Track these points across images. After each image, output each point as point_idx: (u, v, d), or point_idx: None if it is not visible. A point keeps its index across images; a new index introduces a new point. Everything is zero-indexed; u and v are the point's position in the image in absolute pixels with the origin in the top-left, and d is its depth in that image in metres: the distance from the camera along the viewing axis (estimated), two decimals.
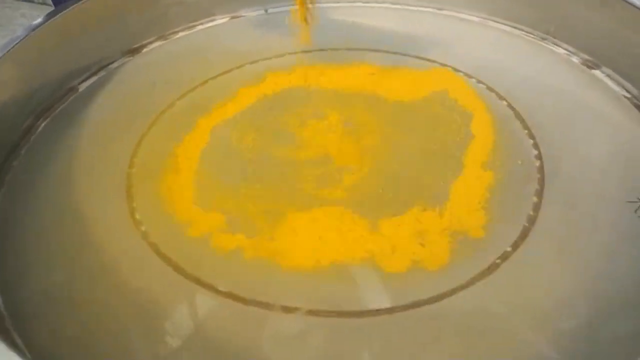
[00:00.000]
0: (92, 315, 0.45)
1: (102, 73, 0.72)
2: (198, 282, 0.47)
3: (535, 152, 0.58)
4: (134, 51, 0.76)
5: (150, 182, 0.56)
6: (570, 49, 0.72)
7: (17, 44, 0.62)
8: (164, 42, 0.78)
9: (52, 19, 0.67)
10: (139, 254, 0.50)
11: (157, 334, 0.44)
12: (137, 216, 0.53)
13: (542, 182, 0.55)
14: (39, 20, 0.66)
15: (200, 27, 0.81)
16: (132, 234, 0.51)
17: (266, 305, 0.45)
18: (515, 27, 0.77)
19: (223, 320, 0.45)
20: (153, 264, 0.49)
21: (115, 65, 0.74)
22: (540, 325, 0.44)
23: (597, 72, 0.68)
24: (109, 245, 0.51)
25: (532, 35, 0.75)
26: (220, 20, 0.81)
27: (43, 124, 0.65)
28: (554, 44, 0.73)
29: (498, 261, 0.48)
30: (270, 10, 0.81)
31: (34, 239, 0.52)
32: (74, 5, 0.69)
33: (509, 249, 0.49)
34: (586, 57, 0.70)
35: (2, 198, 0.56)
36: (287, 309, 0.45)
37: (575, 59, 0.71)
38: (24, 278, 0.48)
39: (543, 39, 0.74)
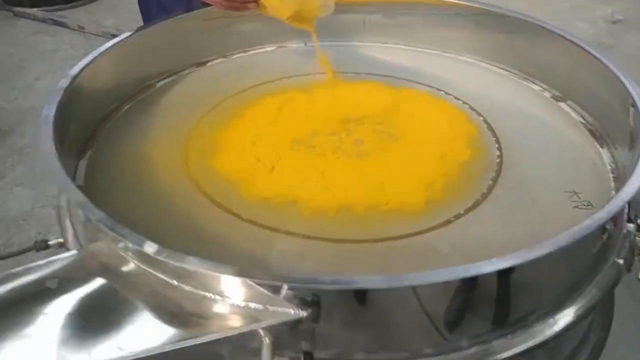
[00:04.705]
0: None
1: (174, 77, 0.93)
2: (227, 210, 0.66)
3: (498, 152, 0.75)
4: (200, 64, 0.97)
5: (204, 159, 0.75)
6: (544, 86, 0.89)
7: (112, 46, 0.83)
8: (224, 59, 0.99)
9: (141, 31, 0.89)
10: (186, 195, 0.69)
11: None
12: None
13: (498, 172, 0.72)
14: (130, 33, 0.87)
15: (253, 51, 1.01)
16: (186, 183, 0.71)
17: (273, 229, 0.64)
18: (504, 69, 0.94)
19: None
20: (195, 198, 0.68)
21: (185, 72, 0.95)
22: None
23: (562, 104, 0.86)
24: (163, 192, 0.70)
25: (516, 75, 0.93)
26: (269, 48, 1.02)
27: (125, 108, 0.86)
28: (532, 82, 0.91)
29: (452, 219, 0.65)
30: (308, 44, 1.00)
31: (116, 176, 0.72)
32: (159, 23, 0.90)
33: (462, 212, 0.66)
34: (556, 92, 0.88)
35: (93, 154, 0.76)
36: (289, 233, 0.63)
37: (547, 94, 0.88)
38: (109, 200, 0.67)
39: (525, 78, 0.92)
